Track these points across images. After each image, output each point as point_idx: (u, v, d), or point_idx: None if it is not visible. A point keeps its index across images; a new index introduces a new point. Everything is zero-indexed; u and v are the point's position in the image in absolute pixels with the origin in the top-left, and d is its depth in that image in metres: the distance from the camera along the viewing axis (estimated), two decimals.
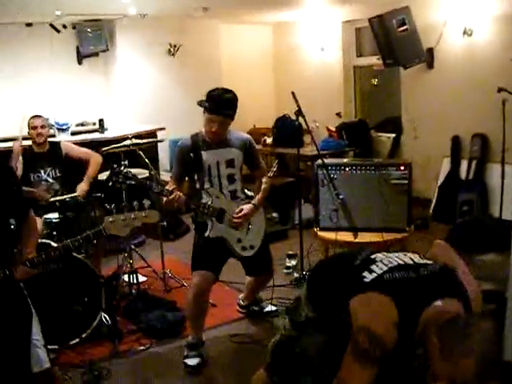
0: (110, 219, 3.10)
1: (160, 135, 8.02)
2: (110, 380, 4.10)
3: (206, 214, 4.14)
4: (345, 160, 6.00)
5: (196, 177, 4.28)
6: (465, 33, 7.19)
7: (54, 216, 4.99)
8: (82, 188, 5.34)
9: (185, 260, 5.86)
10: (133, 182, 4.30)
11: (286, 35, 10.60)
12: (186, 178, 4.39)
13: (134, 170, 4.99)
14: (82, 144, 6.43)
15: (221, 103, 4.09)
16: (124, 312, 4.97)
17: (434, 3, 7.57)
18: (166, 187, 4.19)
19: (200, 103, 4.12)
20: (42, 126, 5.62)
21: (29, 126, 5.64)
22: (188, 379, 4.14)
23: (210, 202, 4.15)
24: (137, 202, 3.61)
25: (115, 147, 5.28)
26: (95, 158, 5.64)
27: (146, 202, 4.44)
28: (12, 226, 3.03)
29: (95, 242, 4.92)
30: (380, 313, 2.12)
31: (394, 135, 8.66)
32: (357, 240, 4.94)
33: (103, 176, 5.49)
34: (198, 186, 4.29)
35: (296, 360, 2.55)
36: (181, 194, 4.09)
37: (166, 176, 7.87)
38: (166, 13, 8.62)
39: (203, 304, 4.25)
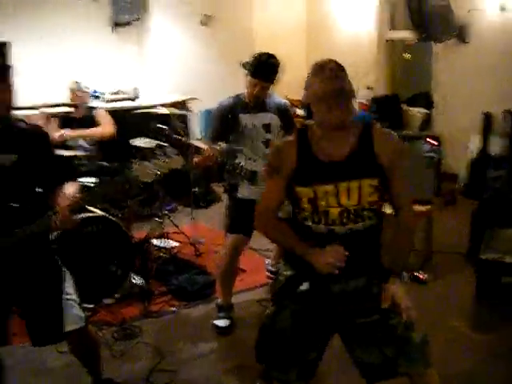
0: (137, 165, 3.17)
1: (192, 105, 8.08)
2: (141, 338, 4.24)
3: (239, 174, 4.16)
4: None
5: (232, 137, 4.28)
6: (501, 8, 7.12)
7: (89, 180, 5.11)
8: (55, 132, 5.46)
9: (215, 227, 5.98)
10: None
11: (319, 4, 10.53)
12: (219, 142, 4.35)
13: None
14: (115, 112, 6.54)
15: (265, 67, 4.12)
16: (155, 274, 5.09)
17: None
18: (196, 144, 4.26)
19: (244, 65, 4.15)
20: (79, 91, 5.78)
21: (69, 89, 5.83)
22: (217, 340, 4.26)
23: (244, 164, 4.17)
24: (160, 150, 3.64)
25: (148, 110, 5.32)
26: (105, 127, 5.77)
27: (172, 151, 4.50)
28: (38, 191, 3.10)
29: (129, 205, 5.07)
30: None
31: (425, 110, 8.63)
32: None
33: (139, 142, 5.58)
34: (233, 147, 4.28)
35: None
36: (210, 150, 4.10)
37: (197, 144, 7.99)
38: None
39: (234, 265, 4.34)
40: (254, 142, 4.24)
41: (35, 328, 3.05)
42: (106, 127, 5.77)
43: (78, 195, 3.05)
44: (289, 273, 2.67)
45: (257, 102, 4.22)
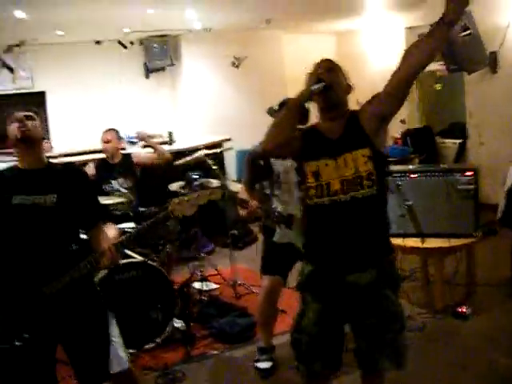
0: (176, 201, 3.16)
1: (226, 146, 8.15)
2: (184, 382, 4.24)
3: (275, 219, 4.16)
4: (410, 166, 6.02)
5: (266, 183, 4.32)
6: None
7: (128, 225, 5.18)
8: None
9: (253, 267, 5.97)
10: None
11: (348, 43, 10.65)
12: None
13: (203, 180, 5.16)
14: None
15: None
16: (196, 318, 5.11)
17: (496, 6, 7.52)
18: (239, 195, 4.28)
19: (270, 112, 4.19)
20: (112, 139, 5.82)
21: (101, 139, 5.88)
22: (260, 382, 4.24)
23: (279, 209, 4.17)
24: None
25: (186, 160, 5.37)
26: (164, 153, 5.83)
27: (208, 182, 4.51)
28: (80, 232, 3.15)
29: (168, 250, 5.12)
30: None
31: (459, 141, 8.60)
32: (424, 245, 4.97)
33: (175, 187, 5.63)
34: (268, 191, 4.31)
35: None
36: (256, 203, 4.17)
37: (233, 186, 8.03)
38: (230, 26, 8.81)
39: (273, 307, 4.32)
40: (288, 186, 4.24)
41: (83, 369, 3.07)
42: (160, 152, 5.85)
43: (118, 238, 3.08)
44: (308, 269, 2.89)
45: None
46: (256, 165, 4.29)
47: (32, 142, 2.95)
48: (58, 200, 2.92)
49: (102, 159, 5.90)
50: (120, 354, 3.16)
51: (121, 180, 5.77)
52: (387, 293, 2.79)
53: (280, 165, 4.23)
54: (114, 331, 3.19)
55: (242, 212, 4.27)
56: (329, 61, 2.87)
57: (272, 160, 4.23)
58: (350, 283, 2.75)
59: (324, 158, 2.76)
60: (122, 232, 5.21)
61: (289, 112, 2.80)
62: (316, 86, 2.73)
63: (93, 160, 6.01)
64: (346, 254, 2.75)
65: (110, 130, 5.91)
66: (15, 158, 3.02)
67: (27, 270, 2.87)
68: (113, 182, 5.75)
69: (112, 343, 3.13)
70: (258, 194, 4.33)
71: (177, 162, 5.63)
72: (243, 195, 4.32)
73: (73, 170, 3.20)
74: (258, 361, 4.36)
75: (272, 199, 4.26)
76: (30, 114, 3.02)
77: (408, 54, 2.66)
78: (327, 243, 2.81)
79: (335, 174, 2.73)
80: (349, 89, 2.88)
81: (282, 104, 4.12)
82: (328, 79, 2.73)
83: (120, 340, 3.21)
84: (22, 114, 2.99)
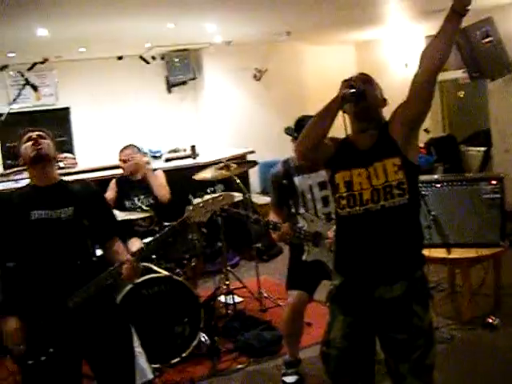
0: (191, 207, 3.17)
1: (250, 158, 8.15)
2: None
3: (301, 238, 4.14)
4: (435, 176, 5.98)
5: (291, 202, 4.31)
6: None
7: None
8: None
9: (279, 280, 5.98)
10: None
11: (369, 53, 10.64)
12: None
13: (224, 193, 5.15)
14: (175, 170, 6.67)
15: None
16: (222, 331, 5.10)
17: None
18: (270, 219, 4.28)
19: (288, 132, 4.22)
20: (133, 155, 5.78)
21: (119, 157, 5.82)
22: None
23: (305, 227, 4.15)
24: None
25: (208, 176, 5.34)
26: (161, 197, 5.71)
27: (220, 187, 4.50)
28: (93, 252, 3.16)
29: (193, 264, 5.12)
30: None
31: (483, 148, 8.53)
32: (450, 256, 4.92)
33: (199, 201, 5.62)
34: (293, 210, 4.31)
35: None
36: (286, 225, 4.13)
37: (257, 198, 8.04)
38: (250, 39, 8.85)
39: (299, 323, 4.29)
40: (313, 203, 4.23)
41: (108, 382, 3.09)
42: (162, 195, 5.69)
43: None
44: (338, 281, 2.88)
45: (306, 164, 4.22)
46: (281, 184, 4.29)
47: (46, 161, 2.97)
48: (75, 212, 2.94)
49: (124, 176, 5.88)
50: (142, 366, 3.17)
51: (142, 197, 5.76)
52: (416, 308, 2.75)
53: (304, 182, 4.23)
54: (136, 343, 3.20)
55: (274, 235, 4.24)
56: (364, 74, 2.87)
57: (295, 178, 4.24)
58: (380, 297, 2.73)
59: (356, 168, 2.77)
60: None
61: (321, 114, 2.78)
62: (347, 91, 2.71)
63: (113, 176, 6.02)
64: (376, 266, 2.74)
65: (128, 146, 5.84)
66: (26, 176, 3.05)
67: (49, 284, 2.89)
68: (135, 198, 5.75)
69: (136, 355, 3.14)
70: (285, 213, 4.32)
71: (197, 177, 5.62)
72: (273, 218, 4.30)
73: (86, 184, 3.22)
74: (284, 375, 4.34)
75: (297, 218, 4.23)
76: (42, 133, 3.02)
77: (424, 54, 2.70)
78: (358, 254, 2.80)
79: (366, 183, 2.73)
80: (382, 103, 2.87)
81: (299, 122, 4.15)
82: (360, 87, 2.73)
83: (141, 350, 3.22)
84: (35, 132, 2.98)
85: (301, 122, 4.12)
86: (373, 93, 2.79)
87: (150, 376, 3.20)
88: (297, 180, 4.23)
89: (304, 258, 4.17)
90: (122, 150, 5.78)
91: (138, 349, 3.22)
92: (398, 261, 2.74)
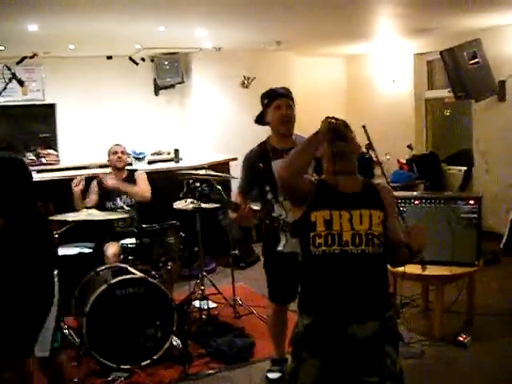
0: None
1: (233, 165, 8.17)
2: None
3: (278, 227, 3.93)
4: (414, 193, 6.02)
5: (267, 188, 4.06)
6: None
7: (130, 241, 5.21)
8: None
9: (254, 288, 6.00)
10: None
11: (358, 67, 10.72)
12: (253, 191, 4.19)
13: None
14: (157, 173, 6.69)
15: (280, 89, 4.20)
16: (194, 336, 5.09)
17: (505, 35, 7.56)
18: (233, 200, 4.15)
19: (262, 98, 4.24)
20: (122, 152, 5.94)
21: (109, 152, 5.95)
22: None
23: (283, 216, 3.94)
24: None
25: (191, 174, 5.34)
26: (142, 193, 5.90)
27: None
28: None
29: (169, 268, 5.13)
30: None
31: (464, 168, 8.61)
32: (425, 273, 4.94)
33: (179, 205, 5.65)
34: (269, 197, 4.06)
35: None
36: (249, 207, 3.97)
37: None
38: (240, 46, 8.88)
39: (283, 322, 4.28)
40: None
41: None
42: (143, 191, 5.90)
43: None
44: (306, 321, 2.78)
45: (287, 132, 4.12)
46: (254, 166, 4.10)
47: None
48: None
49: (103, 176, 5.95)
50: (46, 340, 3.22)
51: (124, 197, 5.82)
52: (388, 349, 2.73)
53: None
54: (51, 320, 3.27)
55: (232, 215, 4.07)
56: (343, 121, 2.87)
57: (273, 162, 3.98)
58: (353, 335, 2.68)
59: (336, 210, 2.76)
60: (124, 248, 5.26)
61: (303, 147, 2.82)
62: (328, 126, 2.75)
63: (95, 175, 6.07)
64: (349, 304, 2.70)
65: (118, 144, 6.03)
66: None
67: None
68: (117, 198, 5.81)
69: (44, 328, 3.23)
70: (260, 199, 4.13)
71: (180, 174, 5.64)
72: (236, 199, 4.15)
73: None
74: (269, 371, 4.40)
75: (275, 206, 4.01)
76: None
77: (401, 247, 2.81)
78: (330, 293, 2.75)
79: (348, 226, 2.73)
80: (358, 149, 2.88)
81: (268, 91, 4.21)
82: (340, 127, 2.78)
83: (53, 323, 3.28)
84: None
85: (269, 89, 4.26)
86: (351, 137, 2.83)
87: (48, 354, 3.24)
88: (275, 164, 3.91)
89: (280, 248, 3.98)
90: (114, 145, 6.07)
91: (50, 325, 3.27)
92: (370, 301, 2.74)
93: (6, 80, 5.43)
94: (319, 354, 2.72)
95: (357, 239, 2.71)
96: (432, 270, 4.98)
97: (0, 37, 6.91)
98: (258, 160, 4.10)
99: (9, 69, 5.43)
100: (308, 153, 2.79)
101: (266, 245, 4.28)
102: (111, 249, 5.43)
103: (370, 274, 2.74)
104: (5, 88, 5.52)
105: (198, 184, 4.79)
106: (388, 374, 2.69)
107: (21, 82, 5.65)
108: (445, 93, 8.67)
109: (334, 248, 2.71)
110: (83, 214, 4.90)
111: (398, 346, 2.81)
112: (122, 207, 5.79)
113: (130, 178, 5.99)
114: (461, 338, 4.89)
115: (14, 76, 5.40)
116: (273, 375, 4.36)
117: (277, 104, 4.12)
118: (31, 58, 7.19)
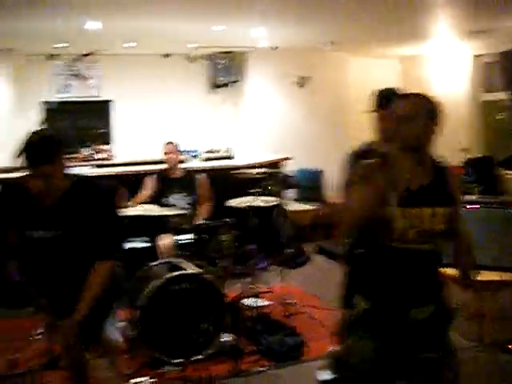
0: None
1: (286, 164, 8.20)
2: None
3: None
4: (468, 197, 5.95)
5: None
6: None
7: (185, 237, 5.29)
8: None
9: (305, 288, 6.02)
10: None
11: (413, 69, 10.60)
12: None
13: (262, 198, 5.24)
14: (212, 170, 6.75)
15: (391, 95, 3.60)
16: (245, 333, 5.13)
17: None
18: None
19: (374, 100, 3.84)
20: (173, 152, 6.00)
21: (163, 151, 6.05)
22: None
23: None
24: None
25: (246, 173, 5.38)
26: (206, 212, 5.93)
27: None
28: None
29: (225, 265, 5.20)
30: None
31: None
32: (478, 278, 4.89)
33: (234, 203, 5.71)
34: None
35: None
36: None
37: (291, 205, 8.06)
38: (295, 46, 8.89)
39: None
40: None
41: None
42: (204, 206, 5.97)
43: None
44: (364, 305, 2.83)
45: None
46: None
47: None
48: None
49: (163, 172, 6.04)
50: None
51: (182, 194, 5.88)
52: (446, 328, 2.85)
53: None
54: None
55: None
56: (407, 103, 2.88)
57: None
58: (413, 318, 2.76)
59: (408, 206, 2.70)
60: (178, 244, 5.34)
61: (364, 186, 2.69)
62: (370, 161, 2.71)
63: (148, 172, 6.17)
64: (410, 293, 2.78)
65: (170, 142, 6.08)
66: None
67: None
68: (170, 196, 5.88)
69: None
70: None
71: (235, 172, 5.68)
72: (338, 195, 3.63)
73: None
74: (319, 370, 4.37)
75: None
76: None
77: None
78: (393, 282, 2.80)
79: (416, 223, 2.71)
80: (429, 131, 2.91)
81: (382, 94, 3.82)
82: (385, 150, 2.73)
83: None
84: None
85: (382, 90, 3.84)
86: (412, 128, 2.80)
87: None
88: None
89: None
90: (166, 144, 6.09)
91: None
92: (428, 288, 2.82)
93: (68, 76, 5.55)
94: (378, 336, 2.78)
95: (421, 237, 2.73)
96: (485, 276, 4.93)
97: (64, 34, 7.09)
98: (361, 156, 3.59)
99: (72, 66, 5.56)
100: (368, 196, 2.67)
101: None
102: (165, 240, 5.50)
103: (429, 266, 2.83)
104: (67, 84, 5.65)
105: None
106: (447, 350, 2.83)
107: (83, 78, 5.77)
108: (502, 95, 8.53)
109: (401, 244, 2.74)
110: (139, 210, 4.99)
111: (451, 324, 2.91)
112: (174, 205, 5.83)
113: (189, 180, 6.06)
114: (510, 346, 4.83)
115: (77, 72, 5.52)
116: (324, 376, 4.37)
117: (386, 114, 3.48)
118: (89, 55, 7.38)
